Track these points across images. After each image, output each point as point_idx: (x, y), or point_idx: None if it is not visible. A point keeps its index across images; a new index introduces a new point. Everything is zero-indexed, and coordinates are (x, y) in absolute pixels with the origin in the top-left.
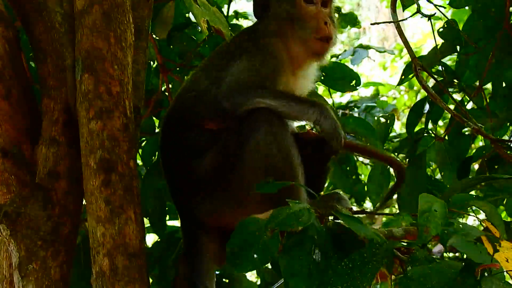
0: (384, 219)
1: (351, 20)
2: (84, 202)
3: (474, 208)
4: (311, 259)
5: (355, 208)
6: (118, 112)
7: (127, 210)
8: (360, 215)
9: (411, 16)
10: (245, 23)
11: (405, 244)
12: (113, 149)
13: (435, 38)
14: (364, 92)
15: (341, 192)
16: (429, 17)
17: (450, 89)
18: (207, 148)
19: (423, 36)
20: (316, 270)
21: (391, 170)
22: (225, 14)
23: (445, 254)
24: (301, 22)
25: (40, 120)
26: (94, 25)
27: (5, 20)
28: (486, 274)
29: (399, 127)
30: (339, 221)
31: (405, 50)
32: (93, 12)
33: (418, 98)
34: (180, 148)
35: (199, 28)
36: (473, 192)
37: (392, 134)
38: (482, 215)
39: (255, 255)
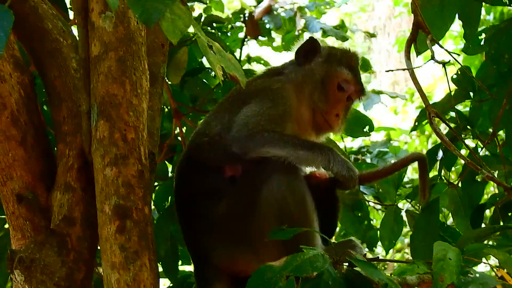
0: (395, 265)
1: (363, 65)
2: (98, 247)
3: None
4: None
5: (369, 255)
6: (133, 158)
7: (142, 257)
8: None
9: (425, 63)
10: (257, 67)
11: None
12: (128, 196)
13: (449, 85)
14: (375, 136)
15: (355, 239)
16: (444, 64)
17: (464, 136)
18: (222, 193)
19: (434, 81)
20: None
21: (404, 216)
22: (238, 58)
23: None
24: (322, 96)
25: (55, 166)
26: (110, 71)
27: (20, 65)
28: None
29: (411, 173)
30: (353, 268)
31: (416, 95)
32: (108, 58)
33: (430, 142)
34: (195, 193)
35: (212, 73)
36: (485, 241)
37: (404, 180)
38: (492, 261)
39: None
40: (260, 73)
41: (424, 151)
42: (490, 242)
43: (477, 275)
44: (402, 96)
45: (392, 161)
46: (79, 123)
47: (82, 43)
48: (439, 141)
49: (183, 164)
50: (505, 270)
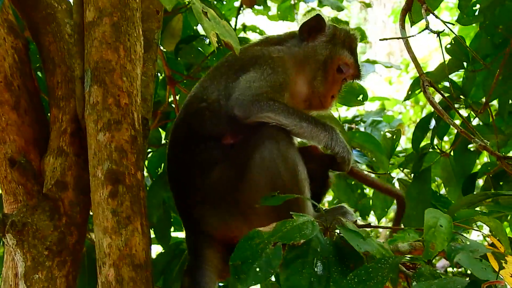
0: (388, 233)
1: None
2: (90, 212)
3: (478, 223)
4: (312, 272)
5: (360, 222)
6: (126, 124)
7: (134, 222)
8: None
9: (419, 33)
10: (253, 36)
11: (410, 259)
12: (120, 161)
13: (443, 55)
14: (370, 106)
15: (346, 206)
16: (438, 33)
17: (457, 105)
18: (215, 161)
19: (429, 52)
20: (318, 283)
21: (397, 184)
22: (233, 26)
23: (449, 269)
24: (322, 77)
25: (48, 131)
26: (104, 37)
27: (14, 30)
28: None
29: (404, 142)
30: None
31: (411, 65)
32: (102, 24)
33: (424, 113)
34: (188, 160)
35: (207, 41)
36: (478, 208)
37: (398, 149)
38: (486, 230)
39: (257, 269)
40: (256, 41)
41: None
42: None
43: (468, 242)
44: (396, 66)
45: (380, 182)
46: (72, 89)
47: (76, 8)
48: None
49: (177, 130)
50: (496, 237)
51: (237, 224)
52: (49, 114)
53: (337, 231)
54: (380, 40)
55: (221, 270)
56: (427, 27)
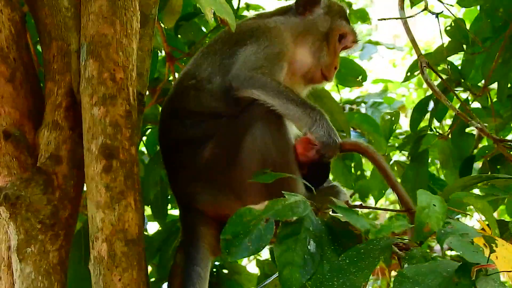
0: (387, 215)
1: (362, 16)
2: (84, 187)
3: (473, 208)
4: (305, 250)
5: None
6: (121, 98)
7: (127, 197)
8: (362, 210)
9: (418, 13)
10: None
11: (405, 240)
12: (115, 136)
13: (441, 36)
14: (373, 89)
15: (339, 185)
16: (437, 14)
17: (456, 88)
18: (207, 138)
19: (433, 36)
20: (311, 260)
21: (395, 167)
22: (236, 6)
23: (447, 252)
24: (325, 50)
25: (43, 104)
26: (100, 11)
27: (11, 2)
28: (481, 274)
29: (407, 125)
30: (336, 214)
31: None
32: None
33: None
34: (180, 137)
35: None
36: (474, 191)
37: (398, 131)
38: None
39: (249, 244)
40: (251, 16)
41: None
42: (479, 193)
43: (458, 226)
44: (399, 48)
45: (378, 155)
46: (68, 62)
47: None
48: None
49: (168, 107)
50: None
51: (229, 202)
52: (44, 87)
53: (330, 211)
54: (378, 20)
55: (215, 247)
56: (425, 8)
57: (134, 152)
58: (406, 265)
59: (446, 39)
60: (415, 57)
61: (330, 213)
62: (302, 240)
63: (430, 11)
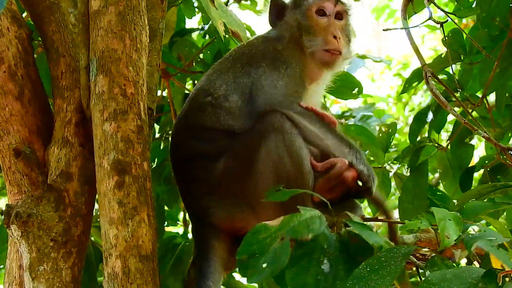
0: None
1: None
2: (96, 204)
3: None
4: (319, 270)
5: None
6: (132, 113)
7: (140, 212)
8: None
9: (424, 22)
10: None
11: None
12: (127, 151)
13: (447, 46)
14: (352, 103)
15: (355, 199)
16: (442, 23)
17: (453, 98)
18: (220, 152)
19: (411, 51)
20: (324, 281)
21: (392, 178)
22: None
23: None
24: (311, 33)
25: (52, 121)
26: (110, 26)
27: (18, 20)
28: (507, 279)
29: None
30: (351, 228)
31: (394, 62)
32: (108, 12)
33: (407, 110)
34: (194, 152)
35: (196, 33)
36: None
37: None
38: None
39: (264, 265)
40: (254, 39)
41: (402, 118)
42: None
43: (485, 231)
44: (386, 61)
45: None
46: (77, 78)
47: None
48: (417, 109)
49: (182, 122)
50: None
51: (244, 215)
52: (53, 104)
53: (344, 226)
54: (384, 30)
55: (227, 261)
56: (430, 17)
57: (146, 167)
58: (428, 272)
59: (443, 49)
60: (393, 71)
61: (345, 227)
62: (315, 260)
63: (434, 20)
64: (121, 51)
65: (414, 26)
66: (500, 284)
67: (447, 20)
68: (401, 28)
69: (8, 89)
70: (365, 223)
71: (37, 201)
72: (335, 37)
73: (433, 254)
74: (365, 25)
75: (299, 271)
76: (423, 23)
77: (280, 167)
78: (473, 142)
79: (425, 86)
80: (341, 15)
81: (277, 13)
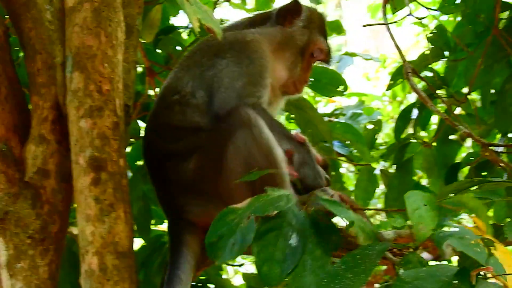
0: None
1: (335, 28)
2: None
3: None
4: (287, 244)
5: None
6: (108, 110)
7: (117, 209)
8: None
9: (403, 18)
10: None
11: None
12: (103, 148)
13: (429, 43)
14: (347, 103)
15: (328, 188)
16: (421, 19)
17: (438, 95)
18: (189, 151)
19: (407, 48)
20: (292, 255)
21: (378, 174)
22: None
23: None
24: (299, 63)
25: (29, 118)
26: (85, 22)
27: None
28: (480, 278)
29: (382, 138)
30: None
31: (388, 60)
32: (83, 9)
33: (402, 108)
34: (163, 152)
35: (186, 32)
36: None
37: (378, 141)
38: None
39: (233, 244)
40: (229, 24)
41: (396, 117)
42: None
43: (456, 228)
44: (375, 59)
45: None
46: (53, 75)
47: None
48: None
49: (151, 122)
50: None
51: (219, 211)
52: (29, 102)
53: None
54: (363, 26)
55: (199, 255)
56: (410, 13)
57: (122, 164)
58: (401, 271)
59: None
60: (389, 69)
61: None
62: (283, 235)
63: (415, 17)
64: (96, 47)
65: (393, 22)
66: (474, 282)
67: (427, 15)
68: (380, 24)
69: None
70: (339, 202)
71: (14, 198)
72: (306, 81)
73: (409, 251)
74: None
75: (266, 244)
76: (402, 19)
77: (250, 161)
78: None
79: (420, 84)
80: (318, 61)
81: (289, 12)
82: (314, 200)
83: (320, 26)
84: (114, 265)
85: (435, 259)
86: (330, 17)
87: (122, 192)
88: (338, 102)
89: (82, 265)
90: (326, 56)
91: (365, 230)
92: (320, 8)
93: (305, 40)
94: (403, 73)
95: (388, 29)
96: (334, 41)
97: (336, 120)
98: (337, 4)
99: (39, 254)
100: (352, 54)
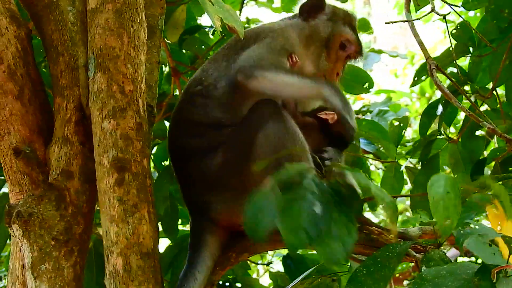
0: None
1: (363, 25)
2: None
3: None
4: (312, 212)
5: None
6: (131, 111)
7: (141, 209)
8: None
9: (426, 15)
10: None
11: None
12: (126, 148)
13: (450, 39)
14: (375, 100)
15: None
16: (444, 16)
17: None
18: (211, 148)
19: (434, 44)
20: (318, 222)
21: (404, 171)
22: None
23: (459, 259)
24: (326, 55)
25: (53, 120)
26: (107, 23)
27: (17, 19)
28: (501, 275)
29: (411, 134)
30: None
31: (417, 57)
32: (105, 10)
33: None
34: (186, 147)
35: (210, 31)
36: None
37: (405, 139)
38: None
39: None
40: (257, 26)
41: None
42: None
43: (477, 226)
44: (402, 55)
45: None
46: (76, 77)
47: None
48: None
49: (175, 117)
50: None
51: (243, 208)
52: (52, 103)
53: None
54: (386, 23)
55: (217, 257)
56: (432, 10)
57: (146, 164)
58: (424, 268)
59: (451, 42)
60: (416, 66)
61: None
62: (308, 203)
63: (437, 13)
64: (119, 48)
65: (417, 19)
66: (495, 280)
67: (450, 12)
68: (404, 21)
69: (8, 88)
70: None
71: (38, 200)
72: (337, 74)
73: (431, 248)
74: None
75: (291, 213)
76: (425, 15)
77: (280, 150)
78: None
79: (448, 81)
80: (350, 59)
81: (312, 7)
82: (334, 171)
83: (345, 19)
84: (139, 265)
85: (465, 254)
86: (358, 15)
87: (146, 193)
88: (367, 99)
89: (106, 266)
90: (357, 48)
91: (384, 199)
92: (346, 7)
93: (329, 32)
94: (427, 70)
95: (412, 26)
96: (362, 38)
97: (363, 117)
98: (365, 1)
99: (63, 256)
100: (379, 51)
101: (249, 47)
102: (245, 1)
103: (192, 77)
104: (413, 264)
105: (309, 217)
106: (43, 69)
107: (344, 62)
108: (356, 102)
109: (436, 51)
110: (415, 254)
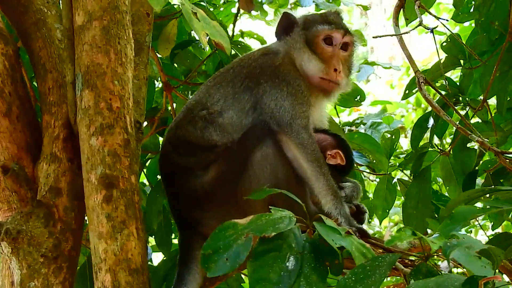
0: (390, 235)
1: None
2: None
3: (481, 222)
4: (283, 266)
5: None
6: (119, 127)
7: (129, 226)
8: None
9: (413, 29)
10: (249, 42)
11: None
12: (114, 165)
13: (438, 52)
14: (372, 111)
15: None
16: (432, 30)
17: (455, 104)
18: (208, 162)
19: (430, 54)
20: (288, 277)
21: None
22: (231, 32)
23: (453, 270)
24: (312, 59)
25: (41, 137)
26: (94, 40)
27: (4, 37)
28: (488, 287)
29: (407, 145)
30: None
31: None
32: (92, 27)
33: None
34: (176, 164)
35: (202, 45)
36: (478, 204)
37: (399, 151)
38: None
39: (226, 259)
40: (254, 51)
41: None
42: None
43: (463, 238)
44: (395, 67)
45: None
46: (64, 94)
47: (66, 13)
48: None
49: (170, 133)
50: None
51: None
52: (41, 120)
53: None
54: (373, 37)
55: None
56: (420, 24)
57: (134, 181)
58: (412, 281)
59: (441, 54)
60: (412, 76)
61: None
62: (281, 257)
63: (424, 27)
64: (106, 65)
65: (405, 33)
66: None
67: (437, 26)
68: (392, 35)
69: None
70: (335, 227)
71: (26, 217)
72: (335, 69)
73: (420, 262)
74: (387, 33)
75: (262, 265)
76: (412, 29)
77: (276, 170)
78: (476, 146)
79: (443, 92)
80: (346, 46)
81: (285, 27)
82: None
83: (319, 19)
84: (127, 281)
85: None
86: (355, 26)
87: (134, 209)
88: (363, 110)
89: (95, 283)
90: (343, 34)
91: (360, 250)
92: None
93: (304, 38)
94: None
95: (401, 40)
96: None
97: (356, 129)
98: (362, 12)
99: (52, 273)
100: (372, 63)
101: (259, 83)
102: (238, 14)
103: (194, 97)
104: None
105: (280, 270)
106: (35, 83)
107: (340, 55)
108: (352, 113)
109: (431, 62)
110: (403, 267)
